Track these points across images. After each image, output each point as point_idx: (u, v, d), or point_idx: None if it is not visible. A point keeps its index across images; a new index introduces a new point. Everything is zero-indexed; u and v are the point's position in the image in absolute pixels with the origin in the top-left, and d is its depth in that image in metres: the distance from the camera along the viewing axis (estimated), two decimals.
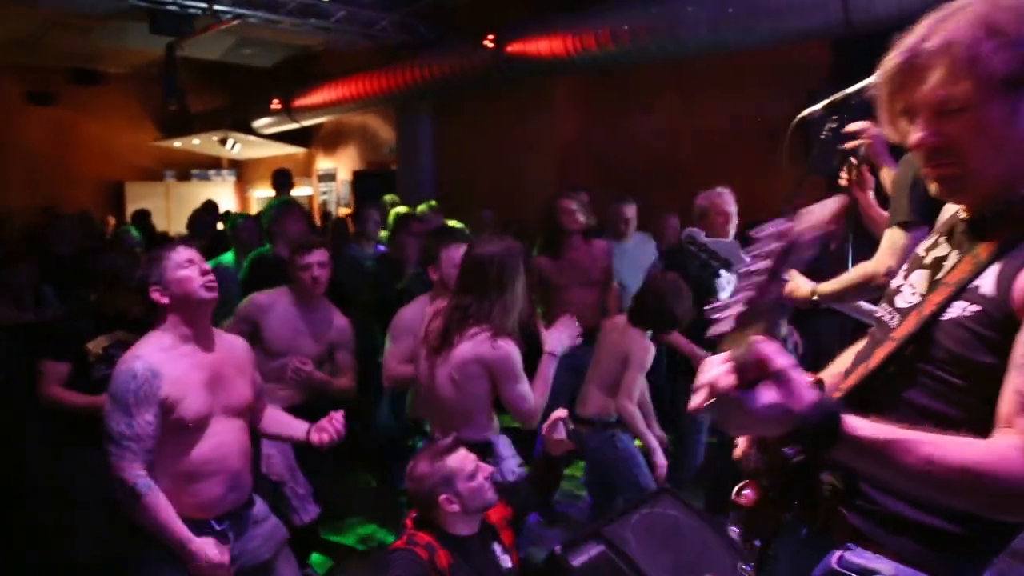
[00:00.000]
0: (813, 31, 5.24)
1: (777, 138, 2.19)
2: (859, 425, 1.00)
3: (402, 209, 6.68)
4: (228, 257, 4.94)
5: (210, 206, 8.29)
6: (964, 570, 1.17)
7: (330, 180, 11.67)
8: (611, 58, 6.05)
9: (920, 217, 1.91)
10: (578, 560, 2.61)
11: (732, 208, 3.96)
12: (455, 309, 2.81)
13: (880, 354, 1.21)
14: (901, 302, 1.27)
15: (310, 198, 12.02)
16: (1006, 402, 1.03)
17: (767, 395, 0.97)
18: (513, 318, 2.80)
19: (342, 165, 11.44)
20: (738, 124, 6.50)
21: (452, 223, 5.54)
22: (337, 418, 2.58)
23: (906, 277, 1.30)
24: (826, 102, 2.08)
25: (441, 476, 2.35)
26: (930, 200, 1.31)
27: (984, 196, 1.15)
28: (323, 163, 11.82)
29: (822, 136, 2.12)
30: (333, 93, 9.20)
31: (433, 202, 7.01)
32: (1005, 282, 1.08)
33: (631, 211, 4.96)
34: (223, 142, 11.56)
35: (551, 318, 3.27)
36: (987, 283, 1.11)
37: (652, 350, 3.56)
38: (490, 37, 6.81)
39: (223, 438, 2.36)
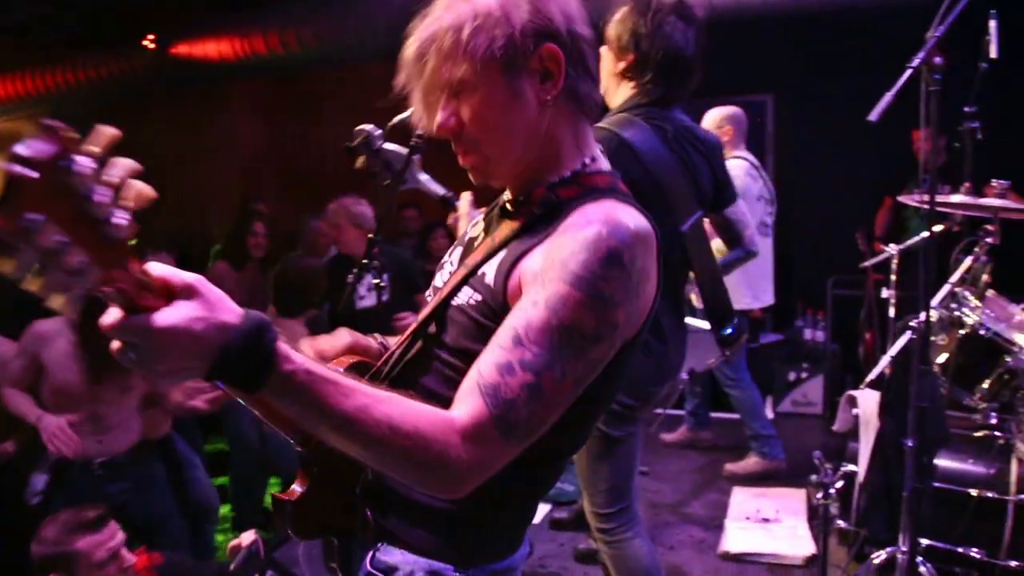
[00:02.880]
0: None
1: None
2: (299, 353, 0.87)
3: None
4: None
5: None
6: (476, 551, 1.12)
7: None
8: (283, 62, 5.88)
9: None
10: None
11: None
12: None
13: (406, 334, 1.17)
14: (439, 280, 1.23)
15: None
16: (466, 378, 0.97)
17: (182, 308, 0.79)
18: None
19: None
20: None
21: None
22: None
23: (450, 254, 1.25)
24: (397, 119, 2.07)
25: (61, 552, 2.06)
26: None
27: (515, 182, 1.14)
28: None
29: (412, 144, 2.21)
30: None
31: None
32: (503, 273, 1.05)
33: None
34: None
35: None
36: (490, 271, 1.07)
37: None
38: (150, 37, 6.28)
39: None
